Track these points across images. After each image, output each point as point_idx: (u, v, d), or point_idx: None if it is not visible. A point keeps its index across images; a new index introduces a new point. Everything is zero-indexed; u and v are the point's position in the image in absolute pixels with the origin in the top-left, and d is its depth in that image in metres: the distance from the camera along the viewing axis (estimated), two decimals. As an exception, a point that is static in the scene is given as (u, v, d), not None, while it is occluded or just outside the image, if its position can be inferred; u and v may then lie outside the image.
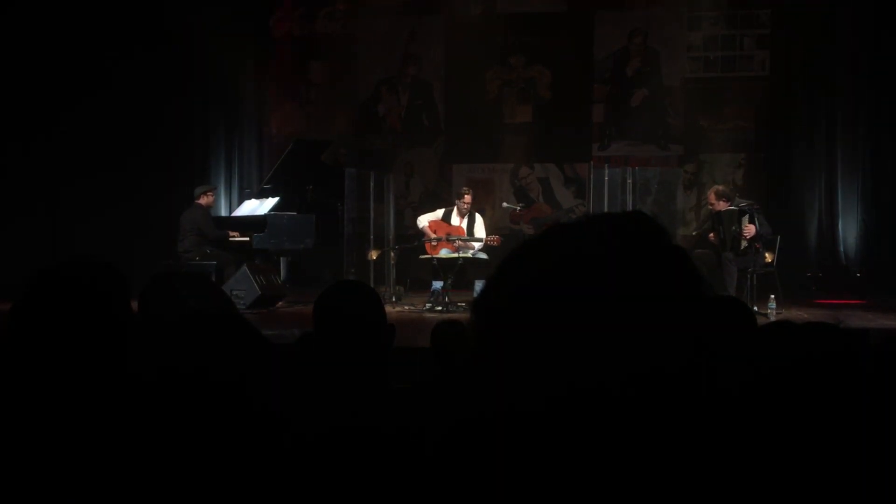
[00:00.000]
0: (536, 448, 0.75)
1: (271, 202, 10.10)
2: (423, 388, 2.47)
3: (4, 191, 10.80)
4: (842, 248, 11.21)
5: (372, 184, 11.17)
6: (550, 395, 0.76)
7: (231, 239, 9.84)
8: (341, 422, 1.98)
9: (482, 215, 10.38)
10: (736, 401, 1.15)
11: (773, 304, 8.27)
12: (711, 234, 9.06)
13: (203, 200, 9.86)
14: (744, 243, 8.66)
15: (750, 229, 8.64)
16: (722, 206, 8.96)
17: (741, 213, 8.74)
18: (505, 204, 11.13)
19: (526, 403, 0.76)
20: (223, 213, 11.83)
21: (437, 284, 9.43)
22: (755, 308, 8.03)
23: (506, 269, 0.83)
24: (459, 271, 9.48)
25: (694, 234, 11.48)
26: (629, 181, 10.78)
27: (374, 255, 10.49)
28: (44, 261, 1.90)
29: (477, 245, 9.73)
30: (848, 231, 11.19)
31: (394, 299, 9.91)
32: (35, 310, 1.65)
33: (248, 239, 9.66)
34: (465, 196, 9.96)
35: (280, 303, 9.51)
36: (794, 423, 1.16)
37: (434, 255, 9.64)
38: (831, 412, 1.18)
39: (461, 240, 9.73)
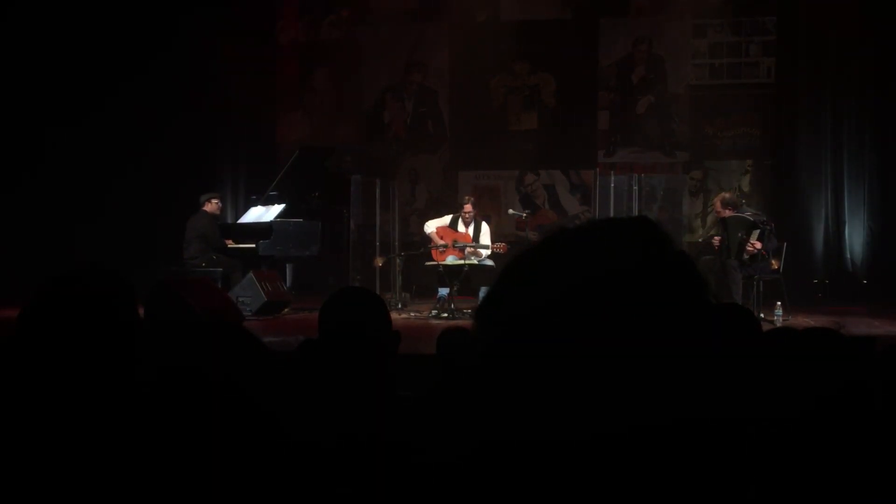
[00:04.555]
0: (541, 453, 0.75)
1: (277, 209, 10.11)
2: (428, 396, 2.46)
3: (11, 198, 10.83)
4: (848, 255, 11.18)
5: (377, 191, 11.20)
6: (554, 400, 0.76)
7: (231, 246, 9.83)
8: (346, 428, 1.98)
9: (488, 222, 10.37)
10: (738, 403, 1.15)
11: (779, 311, 8.25)
12: (716, 239, 9.02)
13: (208, 207, 9.87)
14: (746, 255, 8.61)
15: (756, 245, 8.59)
16: (727, 213, 8.93)
17: (753, 226, 8.67)
18: (511, 211, 11.13)
19: (530, 409, 0.76)
20: (229, 220, 11.85)
21: (443, 291, 9.43)
22: (761, 315, 8.02)
23: (509, 275, 0.83)
24: (465, 278, 9.47)
25: (700, 240, 11.46)
26: (635, 188, 10.78)
27: (379, 261, 10.50)
28: (50, 268, 1.91)
29: (483, 252, 9.73)
30: (854, 238, 11.16)
31: (399, 306, 9.91)
32: (43, 317, 1.65)
33: (253, 245, 9.67)
34: (466, 206, 9.94)
35: (286, 310, 9.51)
36: (795, 425, 1.16)
37: (440, 262, 9.64)
38: (831, 414, 1.18)
39: (469, 246, 9.73)
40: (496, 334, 0.81)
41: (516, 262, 0.84)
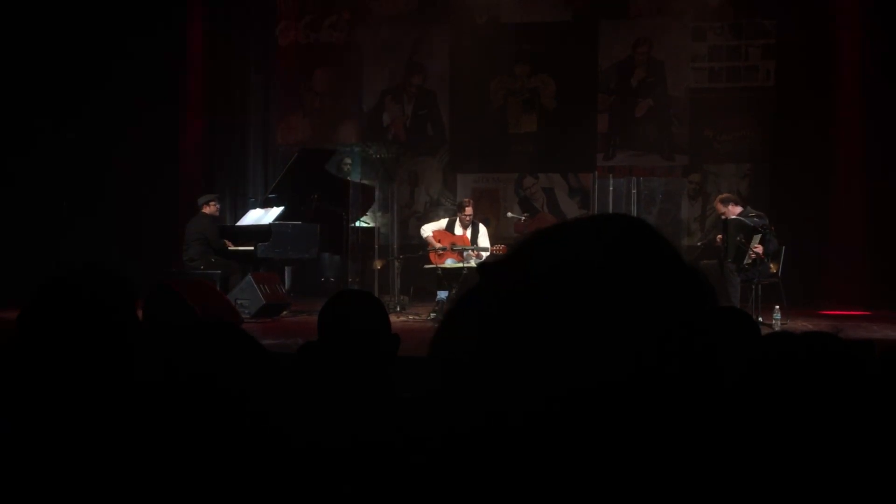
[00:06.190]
0: (535, 454, 0.75)
1: (276, 211, 10.11)
2: (429, 397, 2.46)
3: (10, 199, 10.82)
4: (847, 259, 11.16)
5: (377, 193, 11.20)
6: (548, 400, 0.76)
7: (231, 248, 9.82)
8: (346, 430, 1.98)
9: (486, 225, 10.36)
10: (736, 403, 1.15)
11: (777, 315, 8.25)
12: (719, 237, 9.03)
13: (207, 210, 9.88)
14: (748, 260, 8.61)
15: (758, 249, 8.59)
16: (731, 210, 8.96)
17: (754, 230, 8.66)
18: (510, 214, 11.13)
19: (524, 407, 0.76)
20: (228, 222, 11.85)
21: (442, 294, 9.42)
22: (760, 319, 8.01)
23: (514, 261, 0.82)
24: (464, 281, 9.46)
25: (699, 244, 11.46)
26: (634, 191, 10.79)
27: (378, 264, 10.50)
28: (49, 269, 1.91)
29: (483, 254, 9.73)
30: (854, 241, 11.15)
31: (398, 309, 9.91)
32: (42, 317, 1.65)
33: (252, 248, 9.67)
34: (466, 208, 9.95)
35: (284, 312, 9.51)
36: (792, 426, 1.16)
37: (439, 265, 9.63)
38: (830, 418, 1.18)
39: (468, 249, 9.72)
40: (486, 329, 0.81)
41: (525, 246, 0.84)
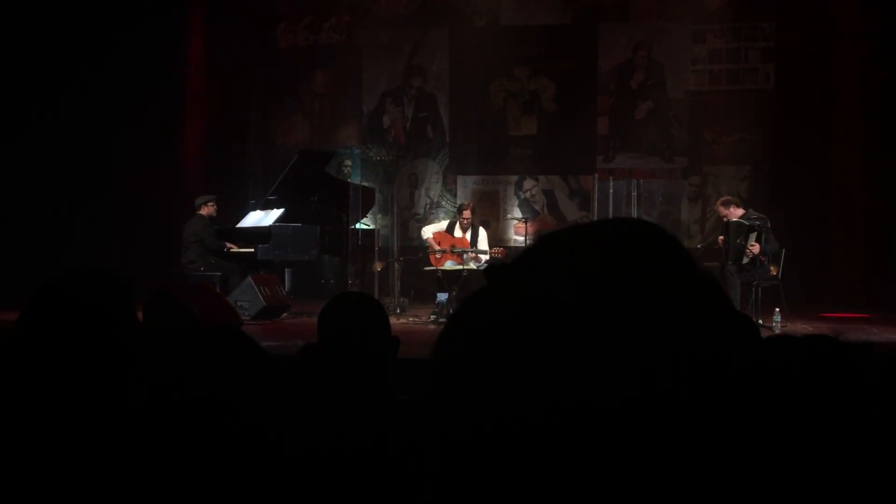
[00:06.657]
0: (535, 460, 0.75)
1: (276, 213, 10.11)
2: (429, 400, 2.46)
3: (11, 200, 10.82)
4: (847, 262, 11.17)
5: (377, 195, 11.20)
6: (550, 406, 0.75)
7: (231, 251, 9.81)
8: (346, 432, 1.98)
9: (486, 227, 10.36)
10: (734, 406, 1.15)
11: (778, 318, 8.25)
12: (721, 238, 9.06)
13: (204, 211, 9.87)
14: (746, 258, 8.63)
15: (755, 247, 8.62)
16: (732, 212, 8.97)
17: (750, 228, 8.70)
18: (509, 216, 11.14)
19: (526, 413, 0.76)
20: (228, 224, 11.85)
21: (442, 296, 9.42)
22: (760, 321, 8.01)
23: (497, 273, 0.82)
24: (464, 283, 9.46)
25: (699, 246, 11.46)
26: (634, 193, 10.79)
27: (378, 266, 10.50)
28: (49, 270, 1.91)
29: (482, 257, 9.73)
30: (853, 244, 11.15)
31: (398, 311, 9.91)
32: (41, 318, 1.65)
33: (252, 250, 9.67)
34: (465, 211, 9.93)
35: (284, 314, 9.51)
36: (792, 429, 1.16)
37: (438, 267, 9.64)
38: (827, 418, 1.18)
39: (467, 251, 9.73)
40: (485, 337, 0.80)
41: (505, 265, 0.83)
